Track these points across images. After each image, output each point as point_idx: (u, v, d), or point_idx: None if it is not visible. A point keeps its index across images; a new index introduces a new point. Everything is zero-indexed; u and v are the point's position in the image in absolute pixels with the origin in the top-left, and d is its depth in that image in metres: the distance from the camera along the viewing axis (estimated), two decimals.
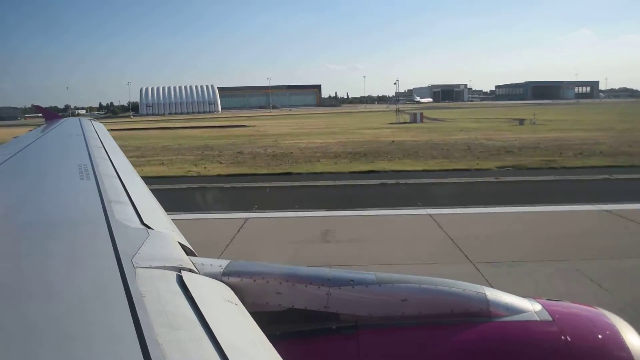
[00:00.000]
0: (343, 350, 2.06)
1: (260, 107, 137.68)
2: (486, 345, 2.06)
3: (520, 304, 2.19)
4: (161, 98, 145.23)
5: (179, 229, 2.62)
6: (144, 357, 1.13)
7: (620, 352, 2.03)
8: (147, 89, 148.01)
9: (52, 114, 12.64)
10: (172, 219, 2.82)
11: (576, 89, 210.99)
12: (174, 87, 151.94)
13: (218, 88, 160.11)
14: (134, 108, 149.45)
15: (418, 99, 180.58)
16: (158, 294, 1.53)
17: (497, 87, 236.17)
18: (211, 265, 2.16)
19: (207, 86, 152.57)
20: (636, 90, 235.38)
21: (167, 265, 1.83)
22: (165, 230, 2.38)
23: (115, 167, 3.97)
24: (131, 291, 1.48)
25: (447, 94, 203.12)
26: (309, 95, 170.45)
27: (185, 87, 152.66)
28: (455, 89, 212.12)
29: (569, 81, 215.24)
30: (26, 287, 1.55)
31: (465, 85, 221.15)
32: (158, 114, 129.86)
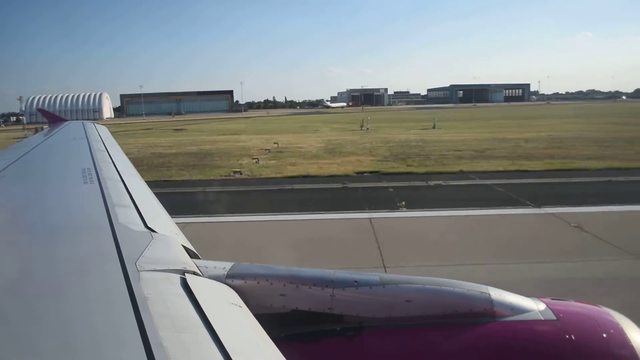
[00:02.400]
0: (347, 351, 2.06)
1: (168, 114, 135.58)
2: (491, 345, 2.05)
3: (525, 303, 2.19)
4: (46, 106, 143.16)
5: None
6: (148, 359, 1.14)
7: (624, 351, 2.02)
8: (33, 99, 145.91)
9: (55, 117, 12.68)
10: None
11: (506, 92, 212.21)
12: (61, 96, 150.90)
13: (125, 95, 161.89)
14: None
15: (328, 103, 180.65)
16: (162, 297, 1.53)
17: (428, 90, 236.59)
18: (215, 267, 2.16)
19: (94, 94, 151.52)
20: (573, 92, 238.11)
21: (171, 268, 1.83)
22: (169, 233, 2.39)
23: (119, 170, 3.99)
24: (135, 294, 1.49)
25: (367, 98, 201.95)
26: (221, 101, 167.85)
27: (72, 95, 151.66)
28: (376, 93, 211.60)
29: (499, 84, 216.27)
30: (31, 291, 1.56)
31: (386, 89, 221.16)
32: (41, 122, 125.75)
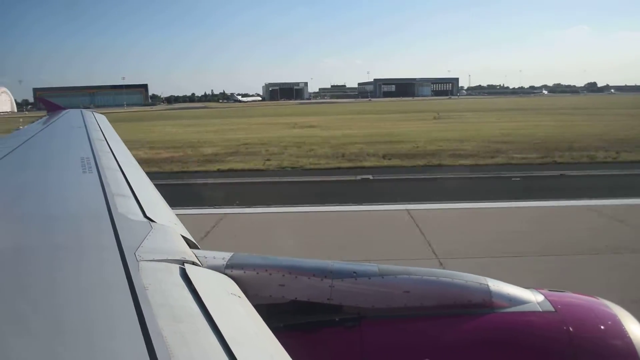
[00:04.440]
0: (346, 341, 2.07)
1: (77, 107, 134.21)
2: (489, 336, 2.06)
3: (523, 294, 2.20)
4: None
5: None
6: (147, 349, 1.14)
7: (622, 342, 2.03)
8: None
9: (54, 106, 12.63)
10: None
11: (433, 86, 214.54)
12: None
13: (39, 88, 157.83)
14: None
15: (239, 97, 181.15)
16: (161, 287, 1.53)
17: (359, 84, 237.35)
18: (214, 258, 2.16)
19: None
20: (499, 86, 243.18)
21: (170, 258, 1.83)
22: (168, 223, 2.38)
23: (118, 159, 3.98)
24: (134, 284, 1.49)
25: (285, 92, 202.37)
26: (135, 95, 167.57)
27: None
28: (295, 87, 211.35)
29: (426, 78, 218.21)
30: (29, 281, 1.56)
31: (306, 83, 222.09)
32: None
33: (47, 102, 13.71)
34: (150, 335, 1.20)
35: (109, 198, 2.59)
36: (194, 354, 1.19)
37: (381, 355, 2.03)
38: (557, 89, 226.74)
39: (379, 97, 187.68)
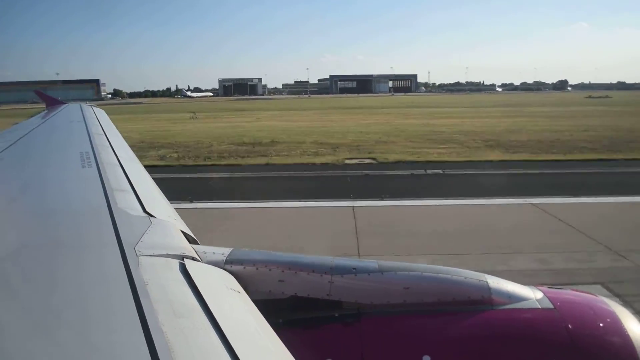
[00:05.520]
0: (346, 337, 2.08)
1: (25, 102, 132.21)
2: (488, 333, 2.07)
3: (522, 291, 2.20)
4: None
5: None
6: (147, 344, 1.14)
7: (620, 339, 2.04)
8: None
9: (53, 100, 12.58)
10: None
11: (391, 83, 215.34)
12: None
13: None
14: None
15: (189, 93, 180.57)
16: (161, 282, 1.53)
17: (319, 80, 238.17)
18: (214, 253, 2.16)
19: None
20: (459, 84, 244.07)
21: (170, 253, 1.83)
22: (168, 218, 2.38)
23: (117, 154, 3.96)
24: (134, 279, 1.49)
25: (239, 87, 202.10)
26: (87, 89, 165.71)
27: None
28: (249, 83, 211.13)
29: (384, 74, 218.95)
30: (30, 276, 1.56)
31: (260, 79, 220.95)
32: None
33: (46, 96, 13.67)
34: (150, 330, 1.20)
35: (108, 193, 2.59)
36: (193, 349, 1.18)
37: (380, 351, 2.03)
38: (522, 87, 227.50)
39: (335, 93, 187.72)
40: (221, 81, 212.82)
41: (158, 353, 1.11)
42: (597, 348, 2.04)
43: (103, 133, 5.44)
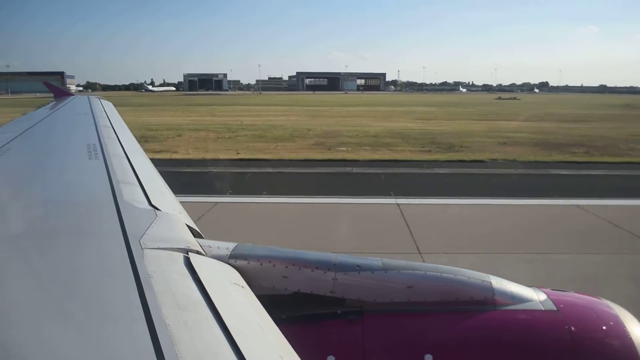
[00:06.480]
0: (348, 334, 2.08)
1: None
2: (491, 333, 2.07)
3: (526, 293, 2.20)
4: None
5: None
6: (151, 337, 1.15)
7: (623, 343, 2.03)
8: None
9: (61, 92, 12.64)
10: None
11: (363, 81, 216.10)
12: None
13: None
14: None
15: (150, 87, 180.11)
16: (165, 275, 1.54)
17: (289, 77, 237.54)
18: (218, 247, 2.17)
19: None
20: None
21: (174, 246, 1.84)
22: (173, 211, 2.39)
23: (124, 147, 3.98)
24: (139, 272, 1.50)
25: (204, 82, 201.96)
26: (51, 81, 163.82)
27: None
28: (215, 78, 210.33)
29: (352, 72, 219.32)
30: (35, 267, 1.57)
31: (225, 74, 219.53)
32: None
33: (55, 87, 13.71)
34: (154, 322, 1.20)
35: (114, 185, 2.60)
36: (196, 342, 1.19)
37: (382, 349, 2.04)
38: (495, 88, 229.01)
39: (301, 90, 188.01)
40: (186, 76, 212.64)
41: (162, 346, 1.11)
42: (600, 351, 2.04)
43: (110, 125, 5.46)
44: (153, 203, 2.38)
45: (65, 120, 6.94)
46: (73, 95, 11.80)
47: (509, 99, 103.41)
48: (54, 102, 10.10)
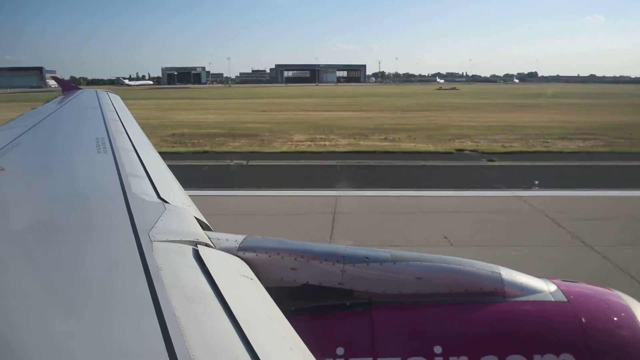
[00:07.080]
0: (357, 326, 2.08)
1: None
2: (500, 325, 2.06)
3: (536, 284, 2.18)
4: None
5: None
6: (161, 329, 1.15)
7: (634, 334, 2.01)
8: None
9: (69, 86, 12.71)
10: None
11: (344, 73, 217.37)
12: None
13: None
14: None
15: (127, 82, 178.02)
16: (174, 268, 1.54)
17: (271, 69, 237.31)
18: (227, 240, 2.17)
19: None
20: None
21: (183, 239, 1.84)
22: (182, 204, 2.40)
23: (132, 140, 3.99)
24: (148, 264, 1.50)
25: (183, 76, 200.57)
26: (31, 77, 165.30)
27: None
28: (193, 72, 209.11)
29: (331, 64, 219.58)
30: (45, 260, 1.58)
31: (203, 67, 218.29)
32: None
33: (63, 81, 13.81)
34: (164, 314, 1.21)
35: (123, 179, 2.61)
36: (206, 334, 1.20)
37: (391, 340, 2.04)
38: (480, 79, 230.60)
39: (280, 82, 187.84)
40: (164, 69, 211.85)
41: (171, 337, 1.12)
42: (611, 342, 2.02)
43: (118, 119, 5.48)
44: (162, 196, 2.38)
45: (73, 114, 6.98)
46: (80, 89, 11.85)
47: (450, 89, 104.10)
48: (62, 96, 10.16)
